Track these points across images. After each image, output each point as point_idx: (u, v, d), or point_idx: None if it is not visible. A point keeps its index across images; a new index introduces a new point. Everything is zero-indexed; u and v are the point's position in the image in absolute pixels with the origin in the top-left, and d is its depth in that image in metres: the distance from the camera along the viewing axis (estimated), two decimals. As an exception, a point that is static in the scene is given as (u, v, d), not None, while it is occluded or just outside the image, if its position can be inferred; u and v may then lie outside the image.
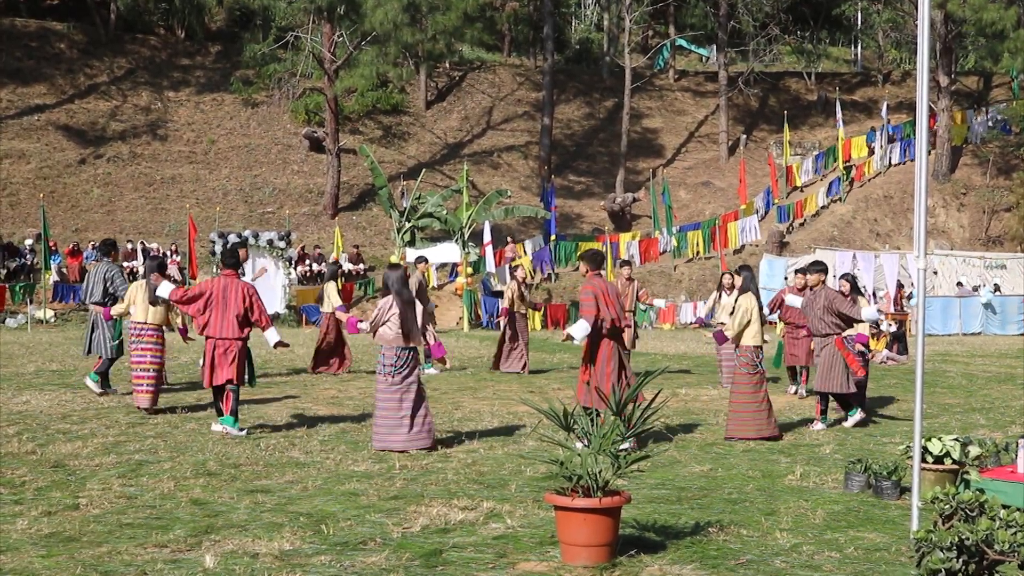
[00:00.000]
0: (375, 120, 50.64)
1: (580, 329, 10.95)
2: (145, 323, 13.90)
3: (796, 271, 16.27)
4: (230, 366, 11.80)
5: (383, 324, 11.02)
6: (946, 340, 32.18)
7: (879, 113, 50.28)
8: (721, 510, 8.26)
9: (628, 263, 18.77)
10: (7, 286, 33.11)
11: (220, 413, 11.94)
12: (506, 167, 49.62)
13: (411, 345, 11.03)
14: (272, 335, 12.16)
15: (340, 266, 20.42)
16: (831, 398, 13.11)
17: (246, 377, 12.16)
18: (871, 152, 49.05)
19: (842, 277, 14.93)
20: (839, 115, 48.43)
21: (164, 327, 14.08)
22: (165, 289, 12.33)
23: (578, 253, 9.67)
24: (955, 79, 48.80)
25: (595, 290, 11.00)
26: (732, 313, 12.40)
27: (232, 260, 12.39)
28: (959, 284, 37.89)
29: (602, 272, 11.40)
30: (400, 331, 10.96)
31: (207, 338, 11.89)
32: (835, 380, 12.79)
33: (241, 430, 11.81)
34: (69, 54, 49.73)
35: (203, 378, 11.95)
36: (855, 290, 14.41)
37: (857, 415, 13.00)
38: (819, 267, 13.64)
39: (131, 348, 13.98)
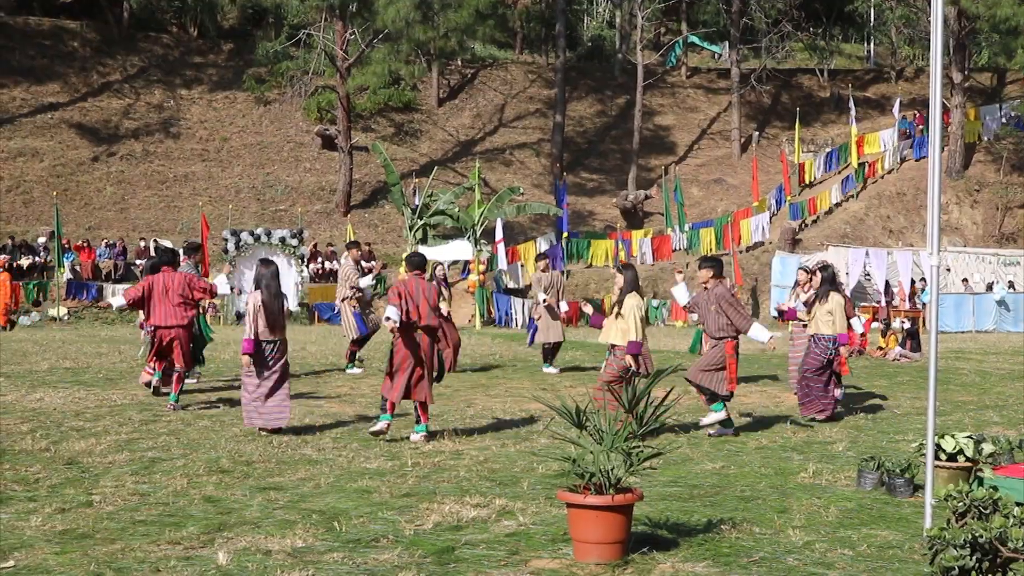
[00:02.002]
0: (387, 118, 50.66)
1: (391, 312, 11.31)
2: None
3: (799, 268, 15.89)
4: (177, 353, 13.55)
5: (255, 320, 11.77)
6: (959, 337, 32.09)
7: (892, 110, 50.10)
8: (734, 508, 8.25)
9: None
10: (21, 284, 33.22)
11: (167, 393, 13.62)
12: (518, 164, 49.59)
13: (276, 337, 11.81)
14: (221, 283, 14.34)
15: (445, 267, 20.74)
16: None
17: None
18: (906, 136, 48.70)
19: (820, 269, 14.04)
20: (852, 112, 48.26)
21: None
22: (118, 301, 14.00)
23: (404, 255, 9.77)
24: (969, 75, 48.59)
25: (400, 288, 11.31)
26: (619, 315, 11.76)
27: (168, 257, 14.02)
28: (964, 281, 37.73)
29: (421, 273, 11.65)
30: (266, 324, 11.68)
31: (155, 328, 13.54)
32: (713, 379, 12.00)
33: (184, 406, 13.51)
34: (82, 52, 49.86)
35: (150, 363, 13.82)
36: (832, 283, 13.47)
37: (721, 413, 12.07)
38: (708, 263, 12.53)
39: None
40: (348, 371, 18.36)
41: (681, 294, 13.31)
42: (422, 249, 34.91)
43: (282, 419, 11.76)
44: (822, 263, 15.08)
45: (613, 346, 11.85)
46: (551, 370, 18.93)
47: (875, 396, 15.77)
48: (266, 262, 12.19)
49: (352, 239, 20.92)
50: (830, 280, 13.55)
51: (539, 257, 20.93)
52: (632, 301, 11.72)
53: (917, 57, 60.94)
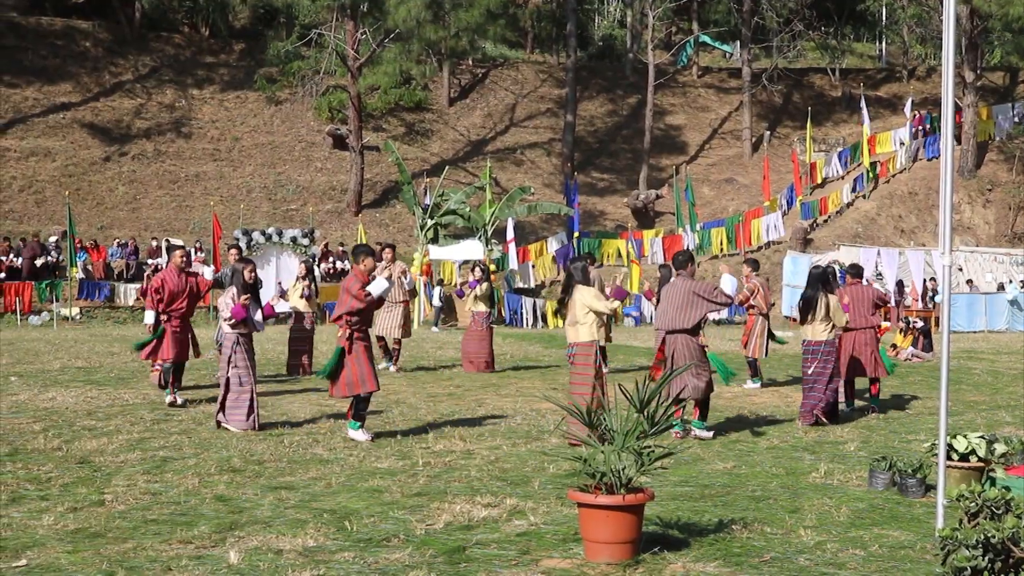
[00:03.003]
0: (398, 117, 50.71)
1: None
2: None
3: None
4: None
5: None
6: (971, 337, 32.00)
7: (903, 109, 49.99)
8: (745, 507, 8.24)
9: (751, 262, 17.50)
10: (33, 284, 33.30)
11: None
12: (529, 164, 49.59)
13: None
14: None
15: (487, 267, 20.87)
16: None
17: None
18: (923, 134, 48.57)
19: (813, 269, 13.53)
20: (864, 111, 48.14)
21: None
22: (150, 317, 14.21)
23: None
24: (981, 75, 48.44)
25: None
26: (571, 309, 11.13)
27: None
28: (969, 282, 37.59)
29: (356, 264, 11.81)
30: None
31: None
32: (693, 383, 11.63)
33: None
34: (94, 52, 49.98)
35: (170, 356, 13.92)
36: (817, 286, 12.85)
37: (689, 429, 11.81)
38: (681, 259, 12.26)
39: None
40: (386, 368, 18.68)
41: (727, 284, 13.08)
42: (433, 249, 35.00)
43: (230, 422, 11.95)
44: (832, 263, 14.94)
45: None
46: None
47: (887, 396, 15.72)
48: (244, 260, 12.71)
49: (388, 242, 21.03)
50: (813, 282, 13.02)
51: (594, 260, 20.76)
52: (582, 297, 11.08)
53: (929, 56, 60.75)
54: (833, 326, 12.81)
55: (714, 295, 11.95)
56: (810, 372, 12.72)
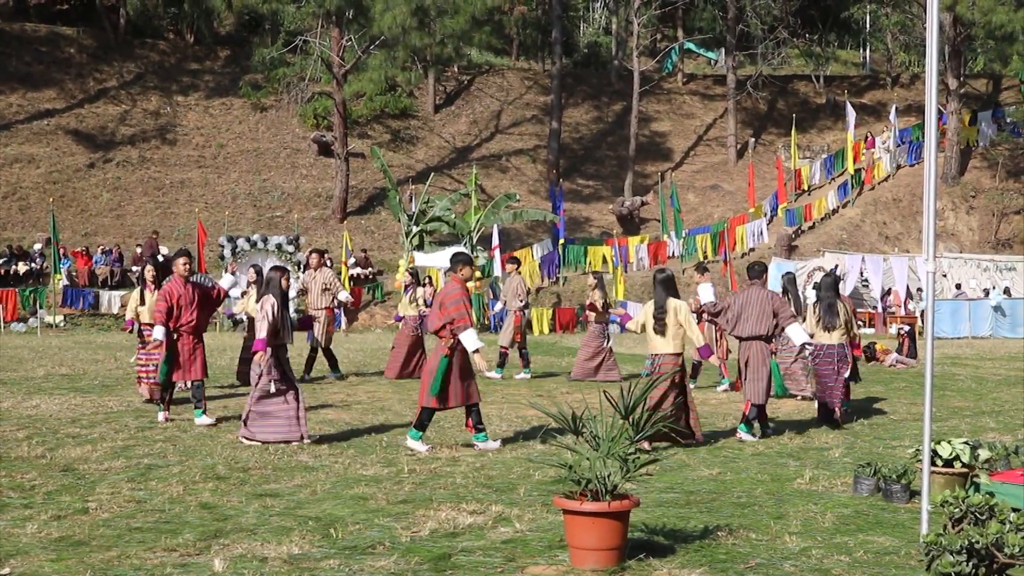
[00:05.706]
0: (383, 124, 50.68)
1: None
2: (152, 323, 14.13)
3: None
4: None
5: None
6: (956, 343, 32.10)
7: (888, 116, 50.17)
8: (730, 514, 8.24)
9: (699, 267, 18.39)
10: (17, 291, 33.17)
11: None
12: (515, 171, 49.61)
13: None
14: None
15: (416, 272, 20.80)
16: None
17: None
18: (869, 146, 48.79)
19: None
20: (850, 118, 48.28)
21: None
22: (160, 332, 13.00)
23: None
24: (964, 82, 48.67)
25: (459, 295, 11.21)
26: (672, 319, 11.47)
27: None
28: (957, 286, 37.75)
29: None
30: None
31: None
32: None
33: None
34: (79, 59, 49.86)
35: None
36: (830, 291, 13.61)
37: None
38: (757, 269, 12.81)
39: (139, 347, 14.96)
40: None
41: (706, 293, 13.63)
42: (418, 255, 34.99)
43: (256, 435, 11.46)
44: (816, 269, 15.21)
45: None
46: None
47: (872, 402, 15.76)
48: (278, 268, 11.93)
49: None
50: (829, 288, 13.80)
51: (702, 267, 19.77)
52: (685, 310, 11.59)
53: (913, 63, 61.03)
54: (848, 330, 13.62)
55: (787, 318, 12.38)
56: (844, 374, 13.36)
